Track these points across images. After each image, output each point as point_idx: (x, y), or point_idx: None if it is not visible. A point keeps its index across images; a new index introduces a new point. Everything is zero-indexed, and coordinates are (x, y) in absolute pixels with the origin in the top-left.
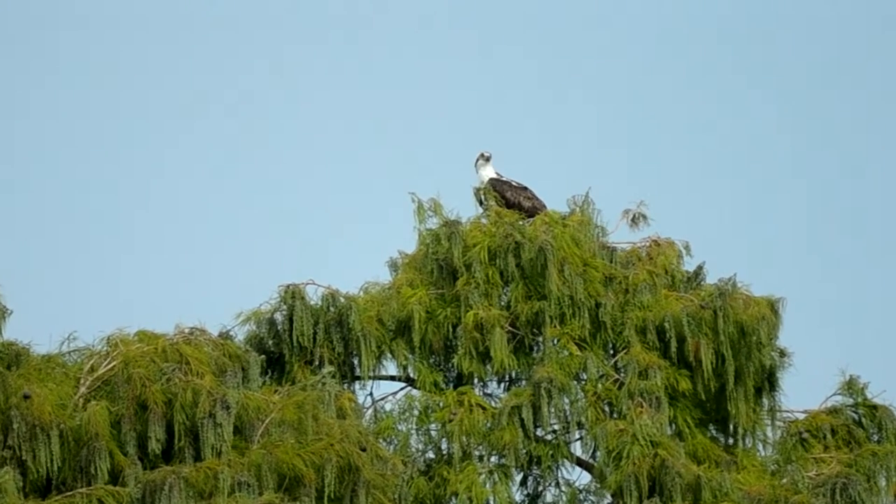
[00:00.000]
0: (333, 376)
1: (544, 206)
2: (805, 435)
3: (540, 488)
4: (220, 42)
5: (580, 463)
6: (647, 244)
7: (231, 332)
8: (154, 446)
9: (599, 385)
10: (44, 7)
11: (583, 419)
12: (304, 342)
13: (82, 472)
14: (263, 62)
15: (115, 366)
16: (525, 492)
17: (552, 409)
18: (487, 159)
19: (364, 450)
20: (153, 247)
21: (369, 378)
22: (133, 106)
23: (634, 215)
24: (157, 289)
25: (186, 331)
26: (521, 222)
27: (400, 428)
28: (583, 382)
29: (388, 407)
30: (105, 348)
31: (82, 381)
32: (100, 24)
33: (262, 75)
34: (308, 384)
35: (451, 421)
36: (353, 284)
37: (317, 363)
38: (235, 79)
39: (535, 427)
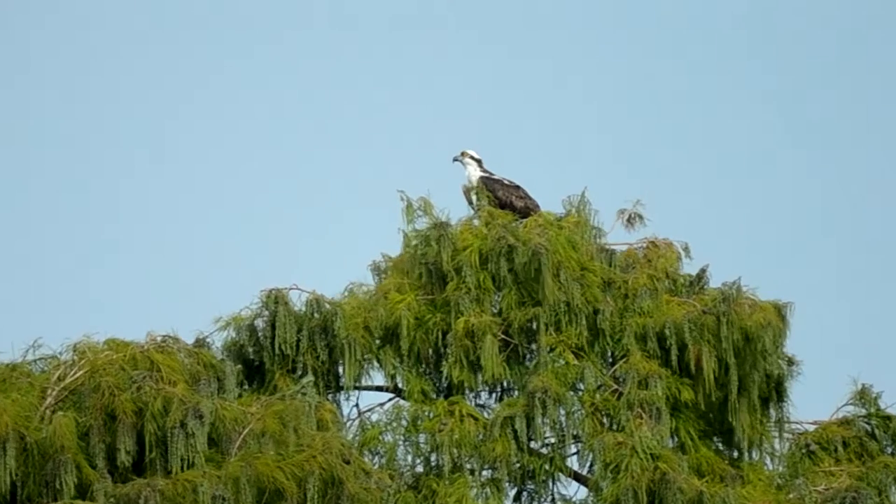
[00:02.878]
0: (314, 386)
1: (538, 206)
2: (813, 447)
3: None
4: (193, 40)
5: (577, 477)
6: (644, 245)
7: (208, 339)
8: (124, 458)
9: (597, 395)
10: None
11: (579, 431)
12: (286, 350)
13: (48, 486)
14: (240, 60)
15: (82, 374)
16: None
17: (547, 421)
18: (458, 160)
19: (347, 462)
20: (124, 250)
21: (354, 388)
22: (103, 104)
23: (630, 215)
24: (129, 295)
25: (158, 339)
26: (513, 223)
27: (386, 439)
28: (580, 393)
29: (374, 418)
30: (72, 356)
31: (49, 391)
32: (65, 23)
33: (240, 72)
34: (287, 394)
35: (440, 431)
36: (339, 289)
37: (300, 372)
38: (211, 77)
39: (529, 439)
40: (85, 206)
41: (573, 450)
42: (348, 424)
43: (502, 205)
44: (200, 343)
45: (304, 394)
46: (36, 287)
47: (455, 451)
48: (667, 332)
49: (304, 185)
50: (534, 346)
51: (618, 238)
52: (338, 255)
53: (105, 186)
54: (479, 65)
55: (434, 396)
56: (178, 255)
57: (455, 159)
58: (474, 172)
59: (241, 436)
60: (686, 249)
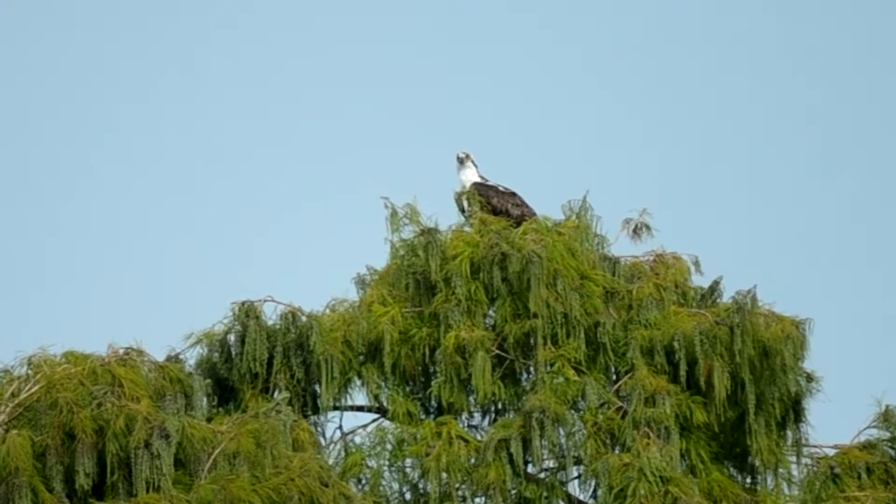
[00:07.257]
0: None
1: (534, 214)
2: (838, 470)
3: None
4: (177, 33)
5: None
6: (651, 259)
7: (181, 356)
8: (83, 481)
9: (600, 414)
10: None
11: (581, 453)
12: (255, 368)
13: None
14: (221, 57)
15: (38, 390)
16: None
17: (545, 443)
18: (462, 161)
19: (326, 485)
20: (88, 258)
21: (332, 408)
22: (66, 96)
23: (636, 225)
24: (93, 307)
25: (120, 351)
26: (508, 230)
27: (370, 464)
28: (581, 412)
29: (358, 440)
30: (27, 370)
31: (2, 408)
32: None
33: (221, 70)
34: (260, 411)
35: (427, 455)
36: (320, 302)
37: (272, 392)
38: (188, 72)
39: (526, 463)
40: (45, 208)
41: (574, 474)
42: (331, 447)
43: (497, 213)
44: (174, 360)
45: (278, 411)
46: None
47: (444, 476)
48: (675, 345)
49: (293, 190)
50: (530, 362)
51: (623, 250)
52: (323, 267)
53: (63, 188)
54: (478, 63)
55: (422, 417)
56: (152, 265)
57: (459, 158)
58: (468, 177)
59: (212, 456)
60: (696, 264)
